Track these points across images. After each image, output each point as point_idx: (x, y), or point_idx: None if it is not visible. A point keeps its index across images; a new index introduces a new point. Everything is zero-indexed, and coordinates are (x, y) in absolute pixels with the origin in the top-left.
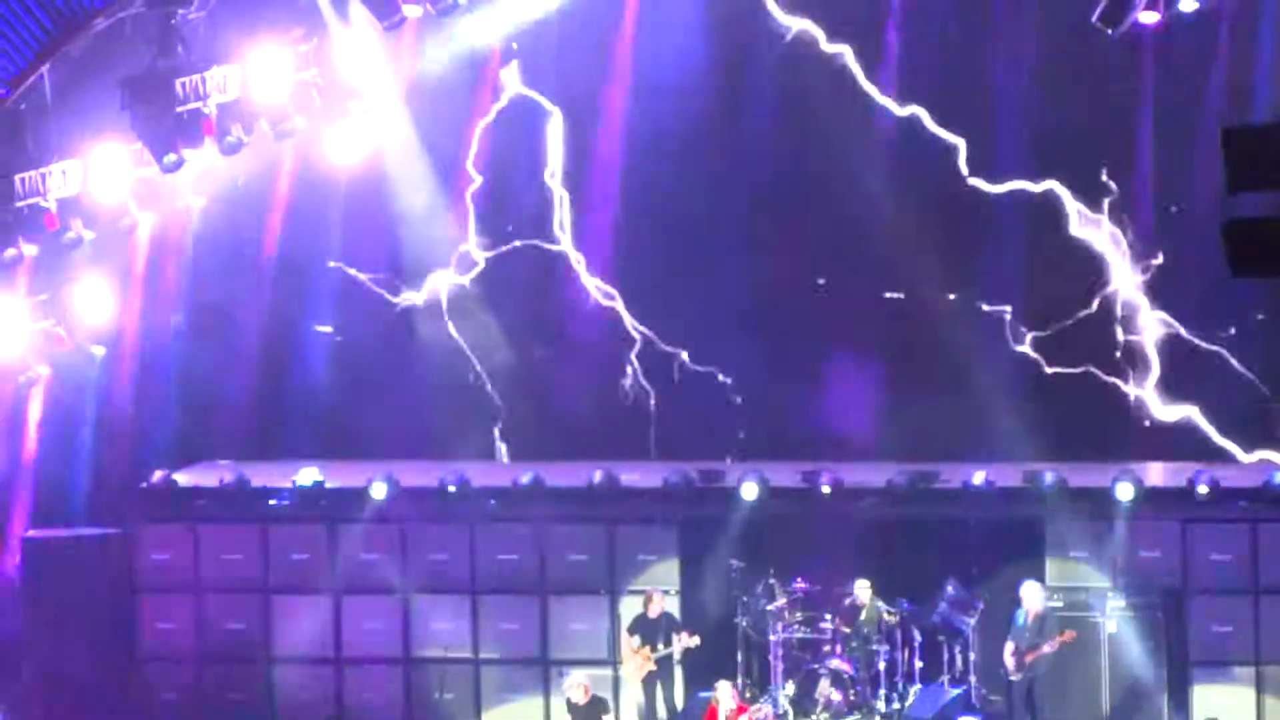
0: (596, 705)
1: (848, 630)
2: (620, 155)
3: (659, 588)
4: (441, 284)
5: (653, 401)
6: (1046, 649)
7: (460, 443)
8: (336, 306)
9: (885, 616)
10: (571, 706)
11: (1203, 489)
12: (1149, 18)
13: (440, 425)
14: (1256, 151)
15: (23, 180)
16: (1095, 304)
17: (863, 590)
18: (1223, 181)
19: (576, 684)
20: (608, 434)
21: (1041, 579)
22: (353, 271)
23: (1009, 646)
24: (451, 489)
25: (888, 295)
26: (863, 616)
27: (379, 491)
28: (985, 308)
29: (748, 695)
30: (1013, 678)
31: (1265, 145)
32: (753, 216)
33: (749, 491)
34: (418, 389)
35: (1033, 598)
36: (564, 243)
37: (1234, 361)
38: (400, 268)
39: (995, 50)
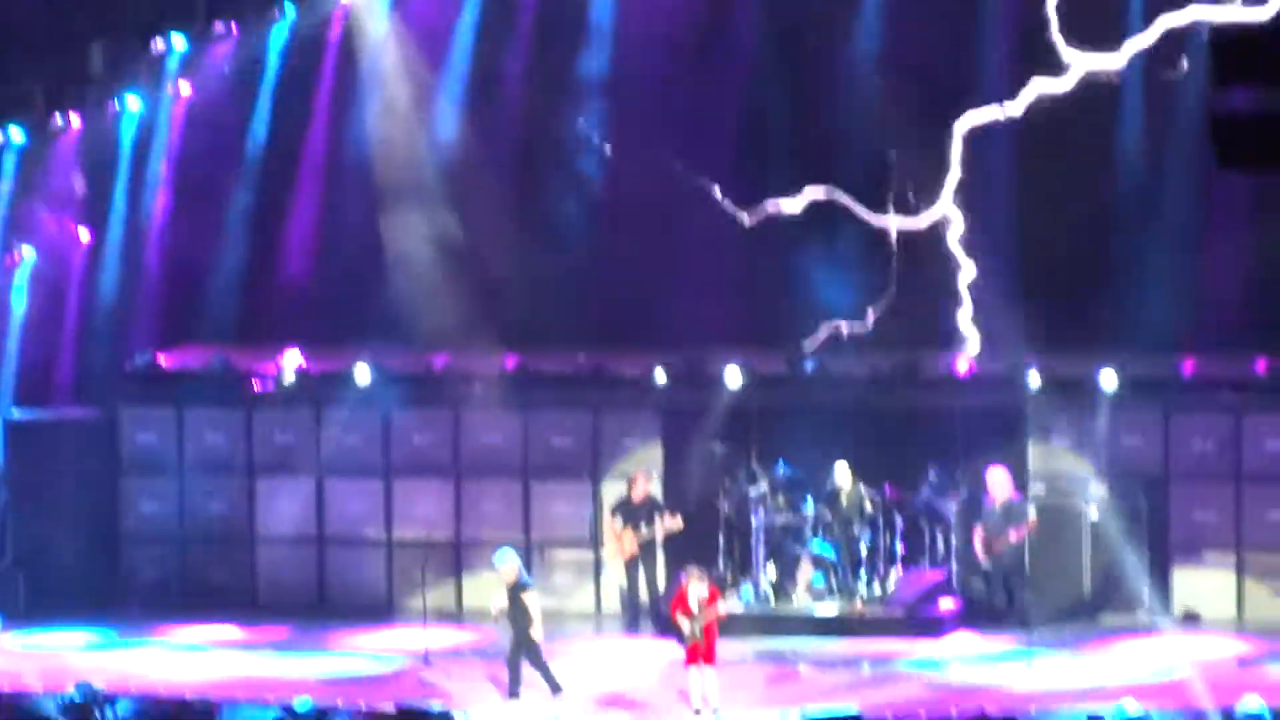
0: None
1: (829, 514)
2: None
3: (643, 471)
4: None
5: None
6: (1012, 537)
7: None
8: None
9: (866, 502)
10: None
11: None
12: None
13: (426, 311)
14: (1243, 47)
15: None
16: None
17: (842, 472)
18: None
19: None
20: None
21: (1024, 466)
22: None
23: (978, 533)
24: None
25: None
26: (843, 500)
27: (363, 375)
28: None
29: (728, 580)
30: (983, 564)
31: (1252, 41)
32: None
33: (732, 377)
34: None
35: (999, 485)
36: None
37: None
38: None
39: None
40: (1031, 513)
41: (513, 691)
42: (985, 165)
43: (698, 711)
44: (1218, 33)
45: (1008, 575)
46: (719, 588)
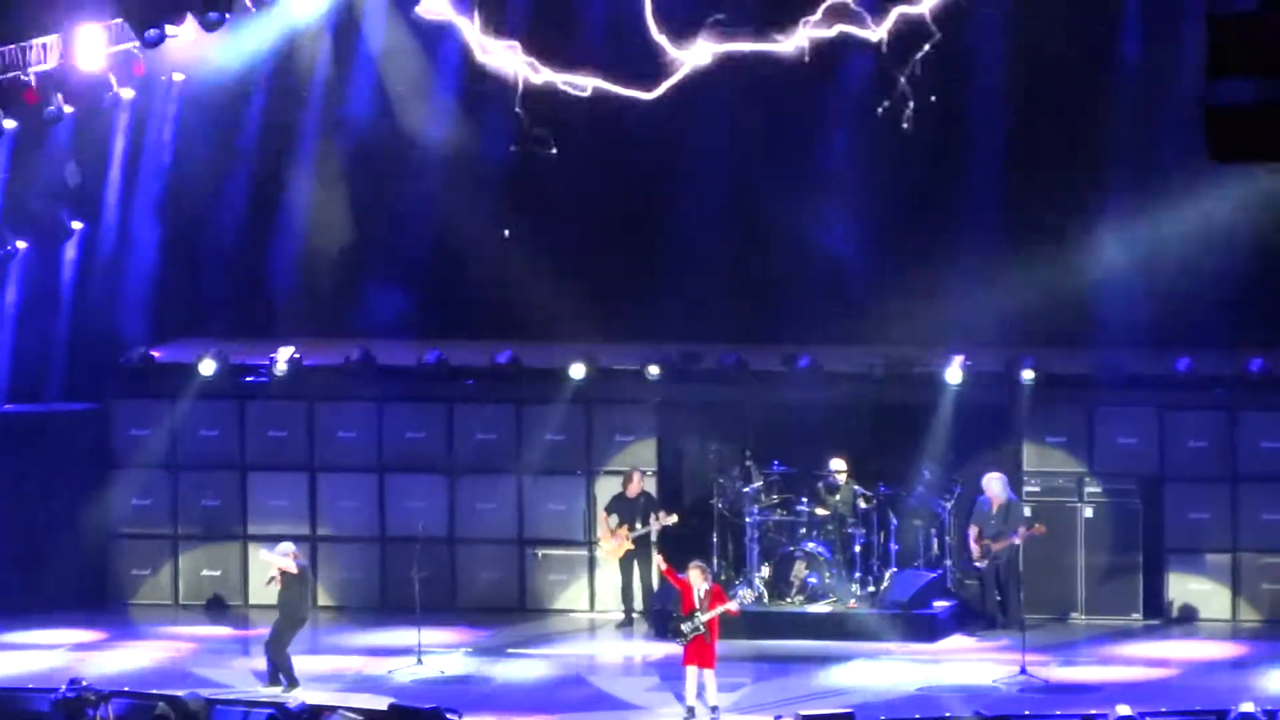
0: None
1: (823, 513)
2: None
3: (639, 468)
4: None
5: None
6: (1014, 540)
7: (438, 321)
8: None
9: (860, 501)
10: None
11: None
12: None
13: (420, 304)
14: (1238, 37)
15: (2, 54)
16: None
17: (839, 468)
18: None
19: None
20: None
21: (1018, 465)
22: None
23: (972, 532)
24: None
25: None
26: (838, 497)
27: (354, 369)
28: None
29: (723, 578)
30: (977, 564)
31: (1248, 31)
32: None
33: (727, 374)
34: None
35: (995, 487)
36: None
37: None
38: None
39: None
40: (1027, 514)
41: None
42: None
43: (690, 710)
44: (1213, 22)
45: (1002, 576)
46: (720, 586)
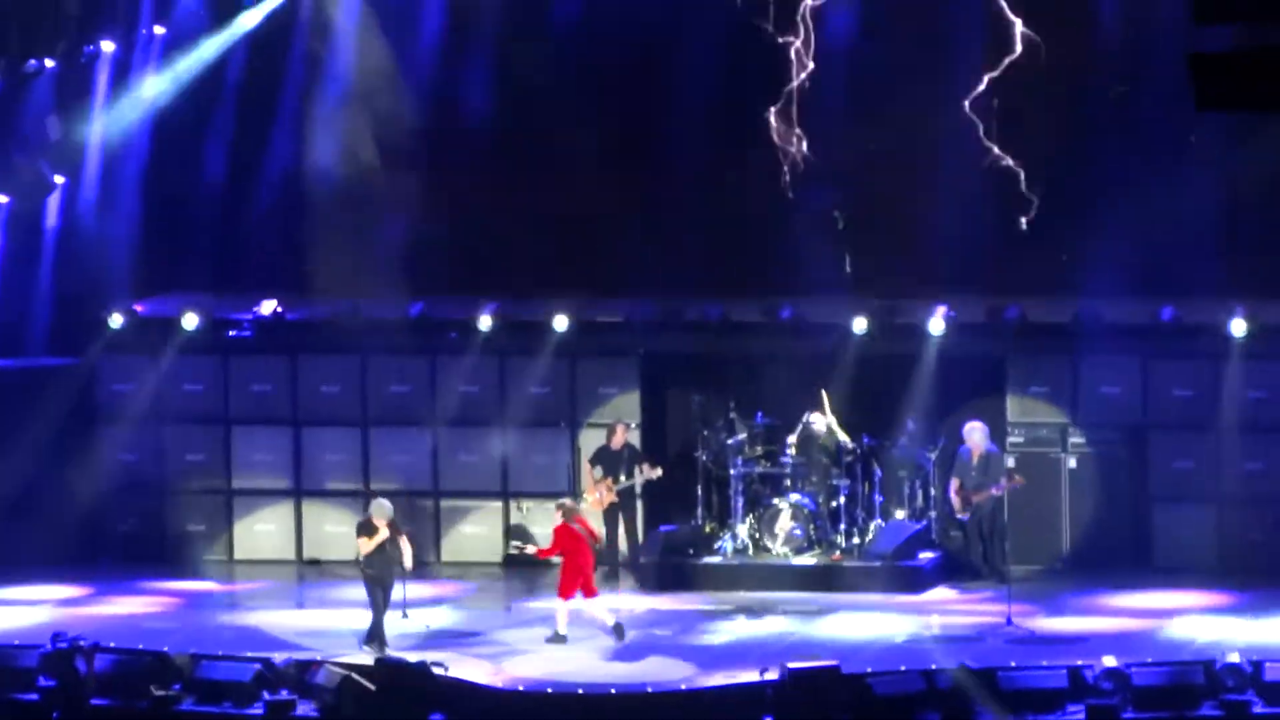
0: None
1: (804, 460)
2: None
3: (623, 420)
4: None
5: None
6: (995, 491)
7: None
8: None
9: (840, 434)
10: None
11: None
12: None
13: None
14: None
15: None
16: None
17: (823, 405)
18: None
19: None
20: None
21: (1003, 415)
22: None
23: (954, 484)
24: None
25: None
26: (821, 440)
27: (339, 322)
28: None
29: (707, 529)
30: (959, 515)
31: None
32: None
33: (711, 326)
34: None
35: (975, 437)
36: None
37: None
38: None
39: None
40: (1011, 465)
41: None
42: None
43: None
44: None
45: (985, 528)
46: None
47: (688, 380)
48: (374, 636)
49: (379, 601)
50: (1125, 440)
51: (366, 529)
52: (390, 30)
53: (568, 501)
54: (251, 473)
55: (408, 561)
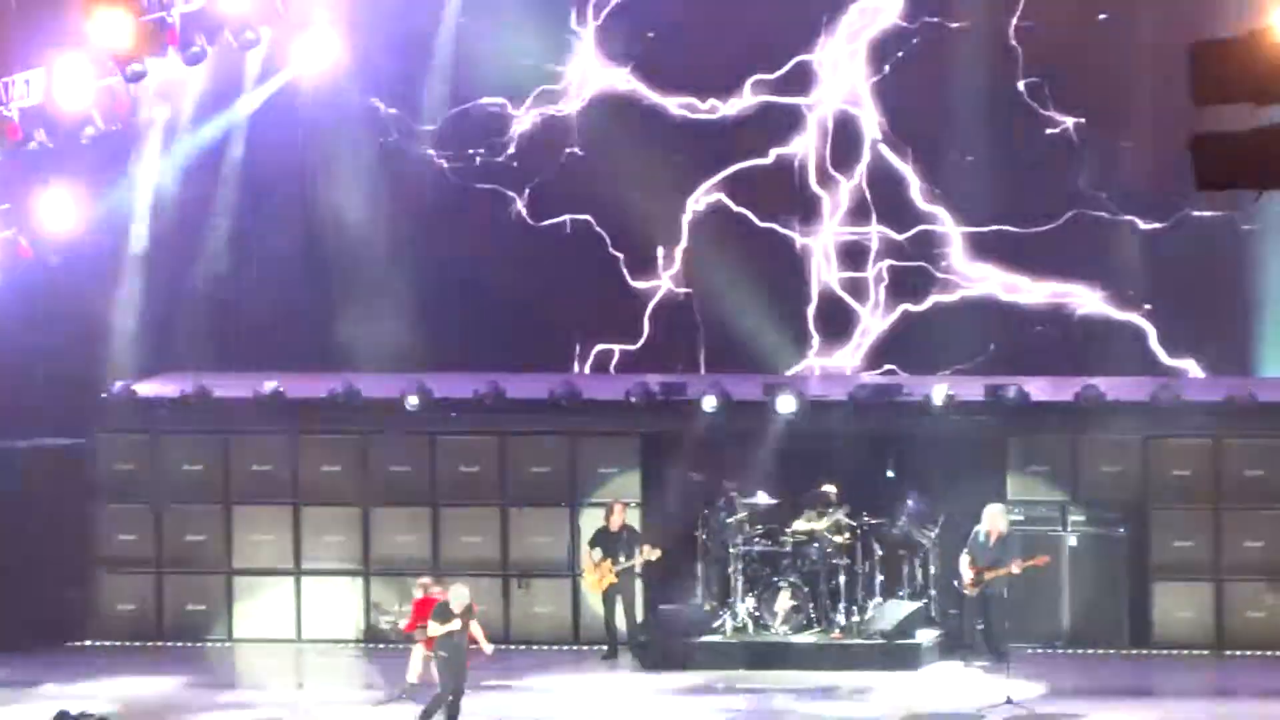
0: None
1: (804, 528)
2: None
3: (621, 500)
4: None
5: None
6: (1014, 569)
7: (425, 353)
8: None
9: (845, 519)
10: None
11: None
12: None
13: (407, 336)
14: (1222, 65)
15: None
16: None
17: (830, 490)
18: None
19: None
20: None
21: (1003, 493)
22: None
23: (965, 559)
24: (412, 399)
25: None
26: (824, 523)
27: (342, 401)
28: None
29: (706, 608)
30: (967, 591)
31: (1231, 59)
32: None
33: (709, 404)
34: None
35: (996, 520)
36: None
37: None
38: None
39: None
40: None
41: None
42: None
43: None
44: (1197, 50)
45: (987, 606)
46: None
47: (687, 459)
48: (429, 715)
49: (446, 685)
50: (1126, 519)
51: (442, 614)
52: None
53: (427, 580)
54: (252, 553)
55: (486, 647)
